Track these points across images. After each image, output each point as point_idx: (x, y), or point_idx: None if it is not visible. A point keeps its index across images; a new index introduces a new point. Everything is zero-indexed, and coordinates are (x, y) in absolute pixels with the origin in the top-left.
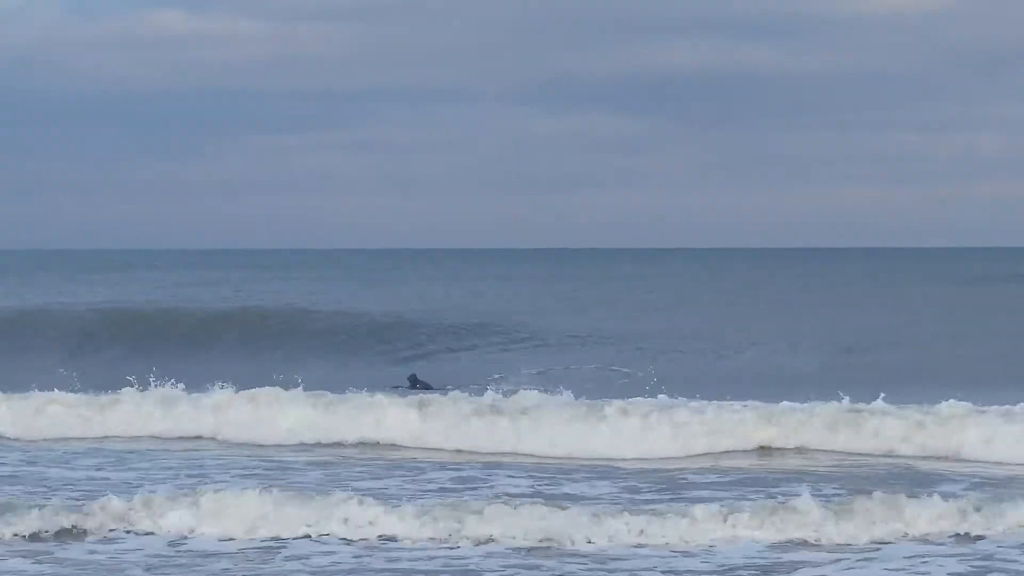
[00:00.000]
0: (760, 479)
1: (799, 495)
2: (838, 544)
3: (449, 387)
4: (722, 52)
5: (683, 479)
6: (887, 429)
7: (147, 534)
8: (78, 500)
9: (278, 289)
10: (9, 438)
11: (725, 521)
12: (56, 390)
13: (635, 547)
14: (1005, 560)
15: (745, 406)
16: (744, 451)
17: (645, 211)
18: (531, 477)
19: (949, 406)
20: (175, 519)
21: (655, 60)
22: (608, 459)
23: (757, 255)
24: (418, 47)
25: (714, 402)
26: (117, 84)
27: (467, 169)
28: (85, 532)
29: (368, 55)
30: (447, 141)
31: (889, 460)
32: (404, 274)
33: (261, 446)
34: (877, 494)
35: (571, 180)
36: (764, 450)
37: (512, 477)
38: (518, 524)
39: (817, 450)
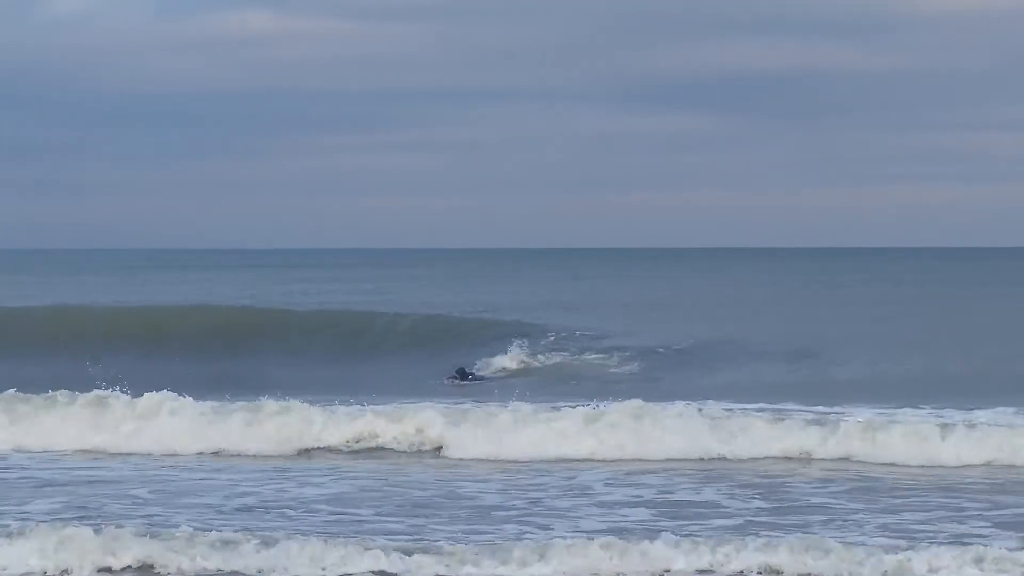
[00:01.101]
0: None
1: None
2: None
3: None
4: (801, 51)
5: None
6: None
7: None
8: None
9: (388, 289)
10: None
11: None
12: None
13: None
14: None
15: None
16: None
17: (723, 211)
18: None
19: None
20: None
21: (734, 59)
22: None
23: (835, 254)
24: (494, 46)
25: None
26: (197, 84)
27: (542, 169)
28: None
29: (445, 54)
30: (523, 140)
31: None
32: (513, 274)
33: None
34: None
35: (647, 179)
36: None
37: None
38: None
39: None
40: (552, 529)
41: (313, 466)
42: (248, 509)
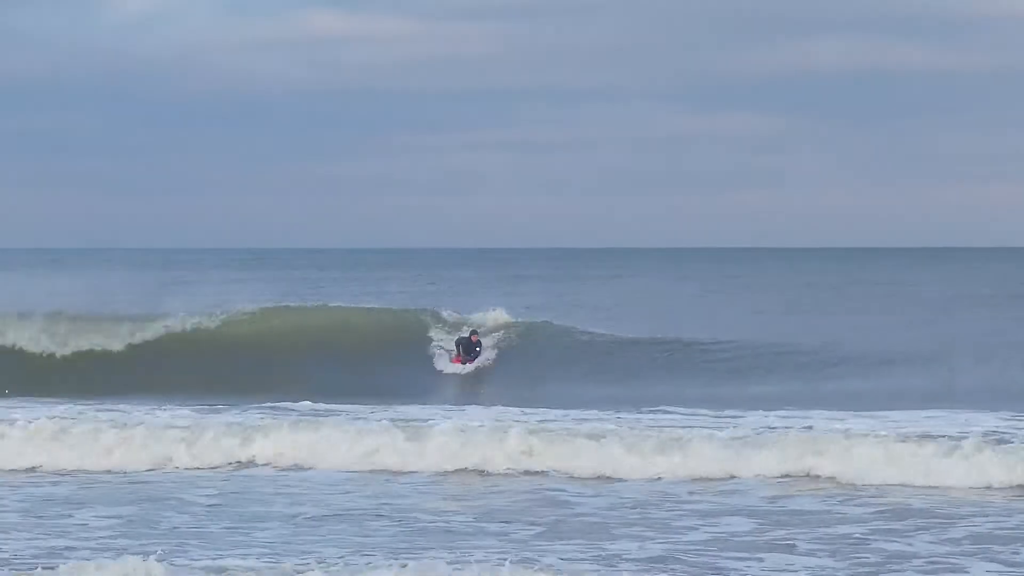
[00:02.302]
0: None
1: None
2: None
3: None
4: (871, 50)
5: None
6: None
7: None
8: None
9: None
10: None
11: None
12: None
13: None
14: None
15: None
16: None
17: (793, 210)
18: None
19: None
20: None
21: (804, 58)
22: None
23: (906, 255)
24: (563, 46)
25: None
26: (269, 84)
27: (611, 169)
28: None
29: (515, 54)
30: (592, 140)
31: None
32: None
33: None
34: None
35: (716, 179)
36: None
37: None
38: None
39: None
40: None
41: None
42: None
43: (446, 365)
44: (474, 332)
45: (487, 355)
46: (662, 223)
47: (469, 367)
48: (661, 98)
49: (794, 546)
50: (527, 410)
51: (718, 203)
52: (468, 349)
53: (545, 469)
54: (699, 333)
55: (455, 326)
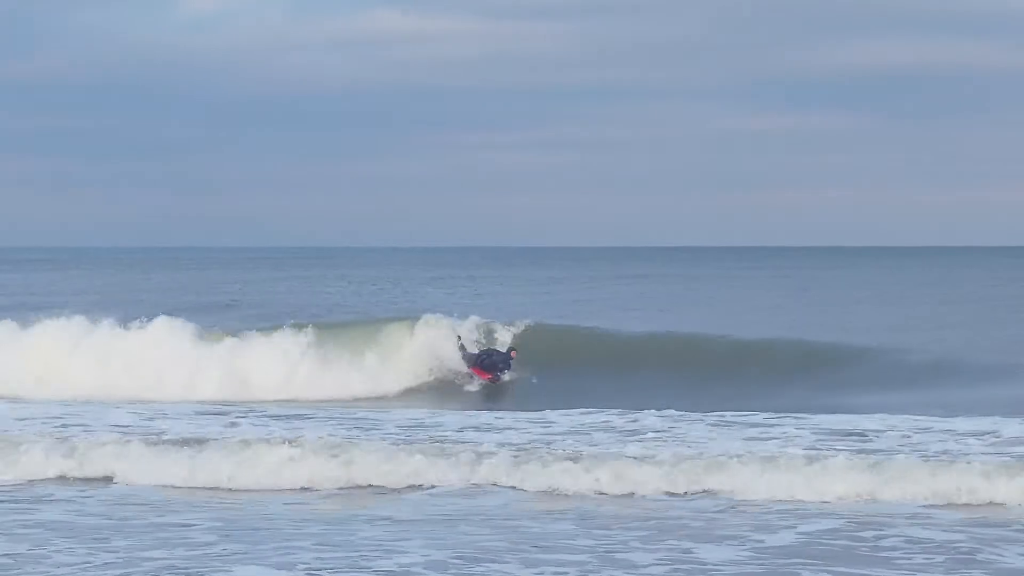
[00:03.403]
0: None
1: None
2: None
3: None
4: (940, 49)
5: None
6: None
7: None
8: None
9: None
10: None
11: None
12: None
13: None
14: None
15: None
16: None
17: (861, 208)
18: None
19: None
20: None
21: (871, 57)
22: None
23: (977, 253)
24: (623, 44)
25: None
26: (332, 83)
27: (676, 167)
28: None
29: (578, 53)
30: (654, 139)
31: None
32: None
33: None
34: None
35: (781, 177)
36: None
37: None
38: None
39: None
40: None
41: None
42: None
43: (473, 382)
44: (513, 348)
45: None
46: (725, 221)
47: (493, 381)
48: (725, 97)
49: None
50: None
51: (781, 201)
52: (496, 364)
53: None
54: (870, 338)
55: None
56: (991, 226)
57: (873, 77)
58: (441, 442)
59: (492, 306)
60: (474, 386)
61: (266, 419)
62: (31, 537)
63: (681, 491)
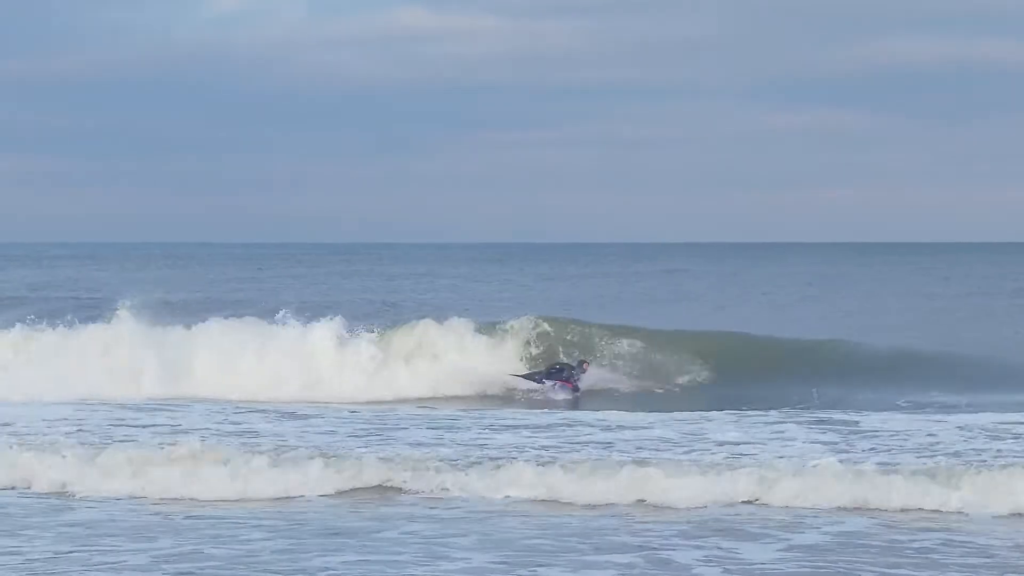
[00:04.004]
0: None
1: None
2: None
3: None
4: (961, 45)
5: None
6: None
7: None
8: None
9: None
10: None
11: None
12: None
13: None
14: None
15: None
16: None
17: (882, 206)
18: None
19: None
20: None
21: (893, 54)
22: None
23: (994, 249)
24: (648, 42)
25: None
26: (357, 82)
27: (699, 164)
28: None
29: (603, 51)
30: (681, 137)
31: None
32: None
33: None
34: None
35: (803, 176)
36: None
37: None
38: None
39: None
40: None
41: None
42: None
43: (557, 392)
44: (585, 360)
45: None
46: (748, 218)
47: (568, 393)
48: (749, 94)
49: None
50: None
51: (802, 199)
52: (569, 374)
53: None
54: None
55: None
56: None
57: (895, 74)
58: None
59: (559, 302)
60: (558, 395)
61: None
62: None
63: None
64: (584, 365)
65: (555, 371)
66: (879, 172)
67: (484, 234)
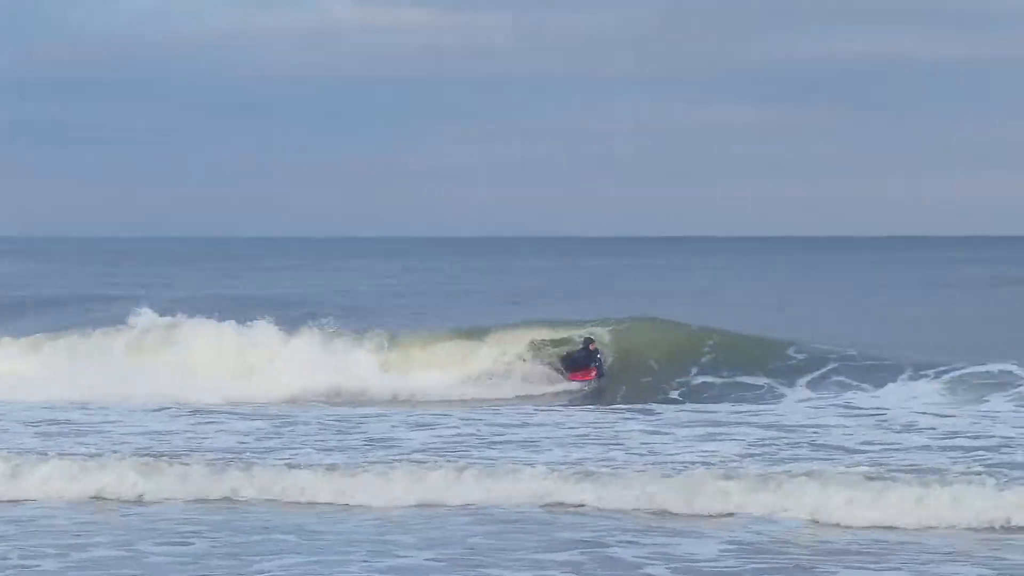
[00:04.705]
0: None
1: None
2: None
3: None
4: (874, 40)
5: None
6: None
7: None
8: None
9: None
10: None
11: None
12: None
13: None
14: None
15: None
16: None
17: (796, 199)
18: None
19: None
20: None
21: (805, 49)
22: None
23: (904, 243)
24: (567, 37)
25: None
26: (284, 74)
27: (612, 158)
28: None
29: (523, 44)
30: (598, 130)
31: None
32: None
33: None
34: None
35: (712, 169)
36: None
37: None
38: None
39: None
40: None
41: None
42: None
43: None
44: (590, 340)
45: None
46: (662, 212)
47: (592, 381)
48: (664, 87)
49: None
50: None
51: (719, 193)
52: (586, 361)
53: None
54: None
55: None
56: (933, 216)
57: (807, 68)
58: None
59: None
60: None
61: None
62: None
63: None
64: (591, 346)
65: (569, 361)
66: (791, 165)
67: (415, 228)
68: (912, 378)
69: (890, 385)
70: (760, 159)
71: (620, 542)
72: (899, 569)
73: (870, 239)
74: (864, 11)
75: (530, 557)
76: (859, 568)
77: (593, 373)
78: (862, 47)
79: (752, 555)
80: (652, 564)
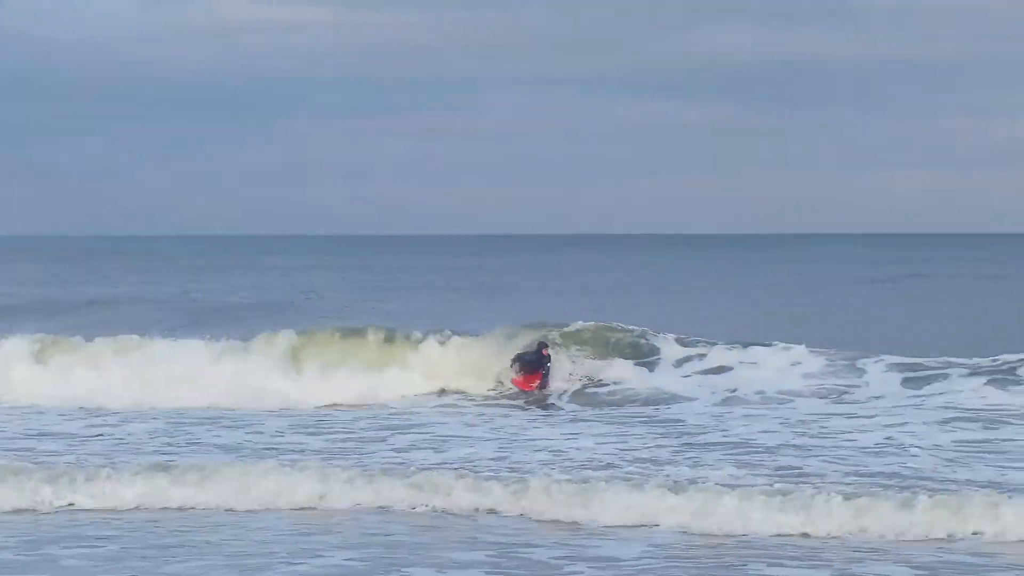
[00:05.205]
0: None
1: None
2: None
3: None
4: (785, 37)
5: None
6: None
7: None
8: None
9: None
10: None
11: None
12: None
13: None
14: None
15: None
16: None
17: (707, 197)
18: None
19: None
20: None
21: (722, 46)
22: None
23: (825, 240)
24: (480, 34)
25: None
26: (179, 73)
27: (531, 157)
28: None
29: (427, 42)
30: (511, 129)
31: None
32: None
33: None
34: None
35: (635, 166)
36: None
37: None
38: None
39: None
40: None
41: None
42: None
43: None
44: (544, 344)
45: (559, 374)
46: (574, 210)
47: (537, 391)
48: (585, 86)
49: None
50: None
51: (632, 190)
52: (534, 366)
53: None
54: None
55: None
56: (837, 213)
57: (728, 67)
58: None
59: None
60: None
61: None
62: None
63: None
64: (544, 351)
65: (523, 359)
66: (713, 163)
67: (315, 226)
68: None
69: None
70: (680, 156)
71: (540, 545)
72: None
73: (793, 236)
74: (782, 11)
75: (448, 556)
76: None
77: (536, 382)
78: (773, 45)
79: (672, 559)
80: (572, 564)
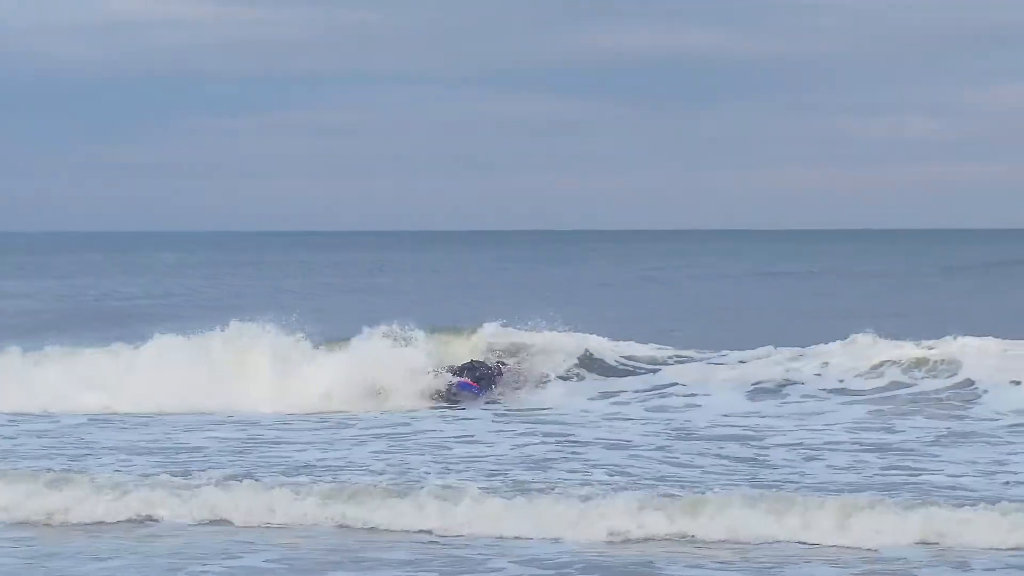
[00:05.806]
0: None
1: None
2: None
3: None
4: (669, 35)
5: None
6: None
7: None
8: None
9: None
10: None
11: None
12: None
13: None
14: None
15: None
16: None
17: (590, 193)
18: None
19: None
20: None
21: (604, 43)
22: None
23: (706, 236)
24: (369, 31)
25: None
26: (64, 68)
27: (411, 152)
28: None
29: (318, 38)
30: (395, 124)
31: None
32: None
33: None
34: None
35: (514, 163)
36: None
37: None
38: None
39: None
40: None
41: None
42: None
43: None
44: (502, 361)
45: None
46: (467, 206)
47: (474, 390)
48: (465, 83)
49: None
50: None
51: (515, 186)
52: (485, 378)
53: None
54: None
55: None
56: (722, 209)
57: (606, 62)
58: None
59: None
60: (463, 401)
61: None
62: None
63: None
64: (500, 366)
65: (468, 369)
66: (595, 159)
67: (202, 223)
68: None
69: None
70: (555, 152)
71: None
72: None
73: (682, 232)
74: (659, 10)
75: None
76: None
77: (476, 386)
78: (656, 43)
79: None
80: (495, 560)
